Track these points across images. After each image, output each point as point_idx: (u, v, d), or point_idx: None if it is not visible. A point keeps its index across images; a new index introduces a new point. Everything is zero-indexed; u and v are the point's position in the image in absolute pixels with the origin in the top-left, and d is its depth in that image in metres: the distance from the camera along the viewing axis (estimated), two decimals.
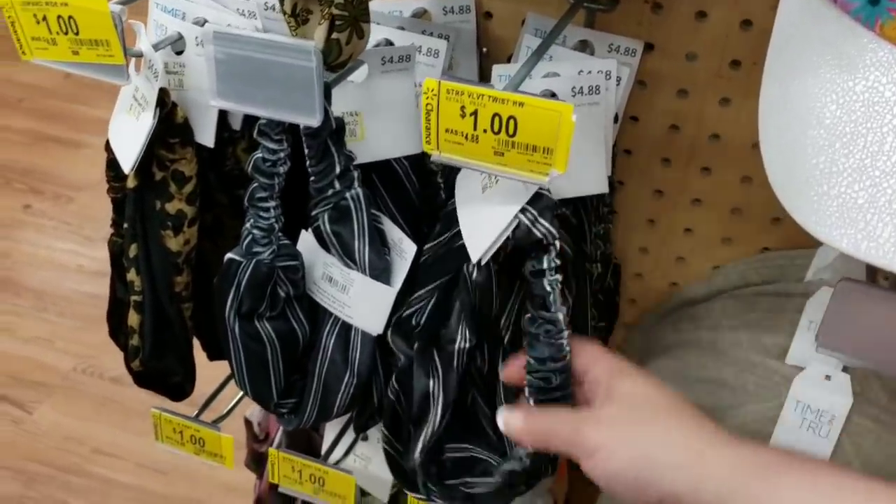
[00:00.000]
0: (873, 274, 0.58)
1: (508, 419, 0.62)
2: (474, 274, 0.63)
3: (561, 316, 0.60)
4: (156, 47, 0.66)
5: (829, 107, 0.46)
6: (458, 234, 0.62)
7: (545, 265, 0.59)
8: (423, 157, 0.72)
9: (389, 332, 0.69)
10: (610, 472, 0.56)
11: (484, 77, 0.78)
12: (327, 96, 0.59)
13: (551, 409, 0.62)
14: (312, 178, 0.64)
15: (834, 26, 0.47)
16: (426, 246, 0.67)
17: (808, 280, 0.73)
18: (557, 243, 0.58)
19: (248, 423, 1.15)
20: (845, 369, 0.66)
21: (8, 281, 2.30)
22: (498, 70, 0.69)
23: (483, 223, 0.60)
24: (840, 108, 0.46)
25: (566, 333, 0.61)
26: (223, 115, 0.72)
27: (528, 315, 0.62)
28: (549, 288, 0.60)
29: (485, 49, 0.81)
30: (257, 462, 1.19)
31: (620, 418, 0.57)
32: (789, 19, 0.50)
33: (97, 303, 2.22)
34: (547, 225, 0.57)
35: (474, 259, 0.60)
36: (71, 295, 2.26)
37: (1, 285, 2.28)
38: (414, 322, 0.67)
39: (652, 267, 0.86)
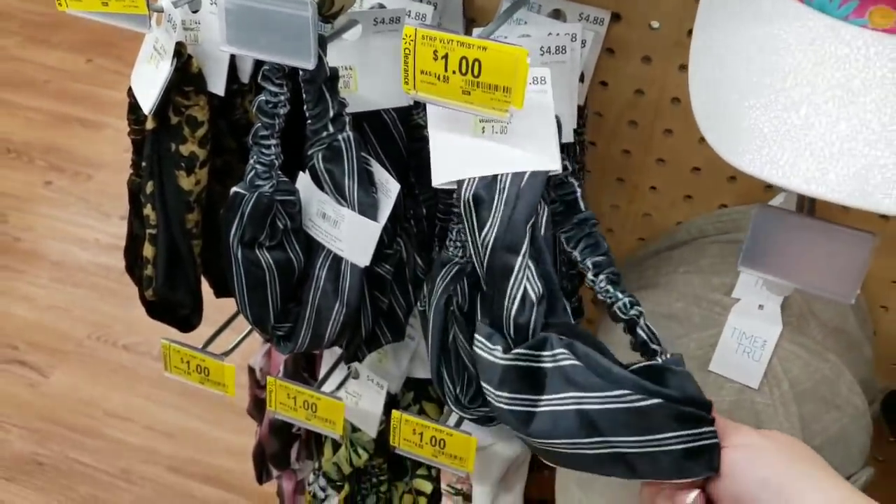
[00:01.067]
0: (801, 207, 0.66)
1: None
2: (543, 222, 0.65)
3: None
4: (175, 4, 0.75)
5: (744, 51, 0.54)
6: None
7: (569, 168, 0.66)
8: (410, 109, 0.81)
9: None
10: (751, 460, 0.57)
11: None
12: (322, 46, 0.67)
13: None
14: (309, 122, 0.73)
15: None
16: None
17: None
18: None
19: (251, 370, 1.24)
20: (785, 302, 0.74)
21: (29, 252, 2.39)
22: (477, 32, 0.77)
23: (530, 143, 0.64)
24: (753, 52, 0.54)
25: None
26: (233, 69, 0.81)
27: (569, 229, 0.67)
28: (577, 188, 0.66)
29: (474, 20, 0.89)
30: (259, 409, 1.28)
31: (771, 435, 0.58)
32: None
33: (112, 275, 2.32)
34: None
35: (557, 167, 0.63)
36: (88, 267, 2.35)
37: (23, 256, 2.38)
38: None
39: (622, 223, 0.95)
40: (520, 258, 0.63)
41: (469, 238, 0.66)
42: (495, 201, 0.64)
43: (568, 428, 0.61)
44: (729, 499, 0.58)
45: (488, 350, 0.65)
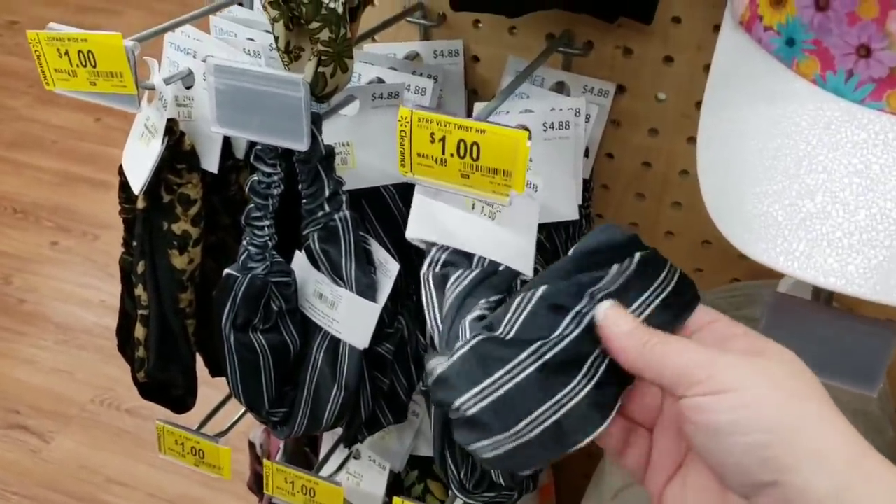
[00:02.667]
0: (818, 294, 0.63)
1: (615, 318, 0.49)
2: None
3: None
4: (167, 81, 0.73)
5: (754, 133, 0.52)
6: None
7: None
8: (410, 186, 0.78)
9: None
10: (739, 421, 0.44)
11: (471, 114, 0.84)
12: (317, 124, 0.65)
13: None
14: (304, 201, 0.70)
15: (760, 65, 0.53)
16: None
17: None
18: None
19: (251, 445, 1.20)
20: None
21: (32, 314, 2.37)
22: (479, 107, 0.75)
23: (512, 239, 0.63)
24: (764, 136, 0.51)
25: None
26: (227, 145, 0.79)
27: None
28: None
29: (476, 91, 0.87)
30: (259, 485, 1.24)
31: (770, 373, 0.46)
32: (724, 59, 0.56)
33: None
34: None
35: (530, 274, 0.61)
36: (93, 329, 2.32)
37: (27, 318, 2.35)
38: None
39: None
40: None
41: (429, 291, 0.62)
42: (460, 275, 0.60)
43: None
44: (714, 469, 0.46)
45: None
